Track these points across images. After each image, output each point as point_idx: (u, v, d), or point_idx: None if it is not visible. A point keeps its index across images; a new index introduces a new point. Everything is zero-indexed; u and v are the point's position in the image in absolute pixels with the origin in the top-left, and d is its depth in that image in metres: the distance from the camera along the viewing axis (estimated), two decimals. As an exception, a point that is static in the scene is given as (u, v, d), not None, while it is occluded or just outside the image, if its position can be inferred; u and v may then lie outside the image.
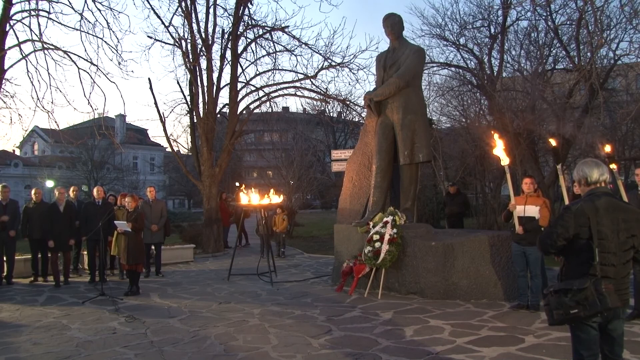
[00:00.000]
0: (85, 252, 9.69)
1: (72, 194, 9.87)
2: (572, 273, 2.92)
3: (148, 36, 13.44)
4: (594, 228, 2.81)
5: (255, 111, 15.43)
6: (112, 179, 37.78)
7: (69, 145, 28.93)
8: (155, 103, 16.97)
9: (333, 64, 13.69)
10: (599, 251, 2.79)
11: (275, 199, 9.63)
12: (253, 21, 13.75)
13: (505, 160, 5.63)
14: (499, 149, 5.50)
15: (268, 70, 14.16)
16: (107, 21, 12.34)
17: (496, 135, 5.74)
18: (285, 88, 14.04)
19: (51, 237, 8.57)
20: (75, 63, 11.08)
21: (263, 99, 14.14)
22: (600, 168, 3.00)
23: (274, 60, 14.16)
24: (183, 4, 12.66)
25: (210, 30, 13.12)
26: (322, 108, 28.51)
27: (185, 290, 8.17)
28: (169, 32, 14.03)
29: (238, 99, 13.68)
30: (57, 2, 10.96)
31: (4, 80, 10.46)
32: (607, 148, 6.43)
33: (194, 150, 13.91)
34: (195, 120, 13.45)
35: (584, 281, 2.77)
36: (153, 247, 9.75)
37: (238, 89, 13.67)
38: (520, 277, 6.24)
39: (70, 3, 11.25)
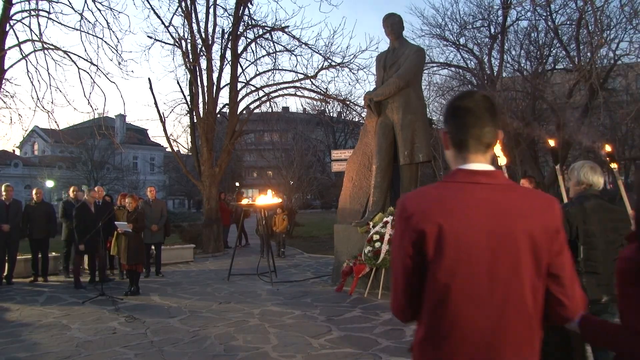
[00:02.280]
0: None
1: (72, 194, 9.87)
2: None
3: (148, 36, 13.46)
4: (580, 227, 3.03)
5: (255, 111, 15.43)
6: (112, 179, 37.77)
7: (69, 145, 28.95)
8: (155, 103, 17.02)
9: (333, 64, 13.71)
10: (587, 249, 3.02)
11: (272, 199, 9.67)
12: (253, 21, 13.77)
13: (502, 160, 5.63)
14: (497, 149, 5.50)
15: (268, 70, 14.19)
16: (107, 21, 12.43)
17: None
18: (285, 88, 14.06)
19: (82, 238, 8.18)
20: (75, 63, 11.12)
21: (263, 99, 14.16)
22: (597, 174, 3.20)
23: (274, 60, 14.19)
24: (183, 4, 12.67)
25: (210, 30, 13.15)
26: (322, 108, 28.52)
27: (185, 290, 8.17)
28: (169, 32, 14.06)
29: (238, 99, 13.69)
30: (57, 2, 11.00)
31: (4, 80, 10.47)
32: (608, 148, 6.44)
33: (194, 150, 13.91)
34: (195, 120, 13.45)
35: None
36: (153, 247, 9.75)
37: (238, 89, 13.67)
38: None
39: (70, 3, 11.31)
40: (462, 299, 1.32)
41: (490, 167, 1.45)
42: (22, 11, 10.74)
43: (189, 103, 13.46)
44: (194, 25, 12.93)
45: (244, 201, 10.55)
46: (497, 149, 5.66)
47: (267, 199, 9.58)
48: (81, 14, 11.06)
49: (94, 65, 11.36)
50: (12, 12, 10.46)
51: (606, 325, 1.60)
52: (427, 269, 1.36)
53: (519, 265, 1.34)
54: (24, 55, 10.73)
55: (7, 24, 10.30)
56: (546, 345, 1.81)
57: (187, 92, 13.44)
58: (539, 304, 1.38)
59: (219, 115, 14.74)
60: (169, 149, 17.79)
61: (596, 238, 3.03)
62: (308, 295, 7.50)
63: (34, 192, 9.37)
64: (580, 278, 2.84)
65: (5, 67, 10.44)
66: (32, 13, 10.79)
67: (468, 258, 1.33)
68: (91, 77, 11.25)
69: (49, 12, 10.87)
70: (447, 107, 1.49)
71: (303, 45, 13.83)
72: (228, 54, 13.54)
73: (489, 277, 1.32)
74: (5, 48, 10.30)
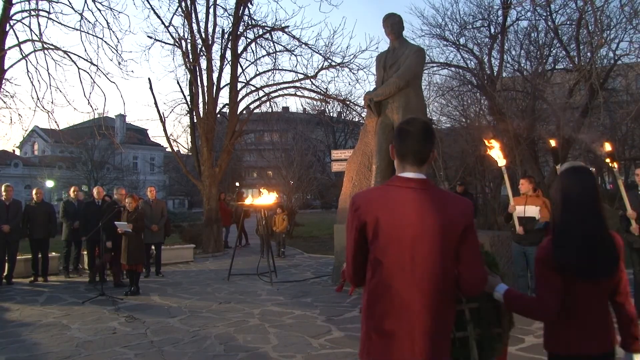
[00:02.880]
0: (86, 252, 9.69)
1: (73, 194, 9.88)
2: None
3: (148, 36, 13.47)
4: None
5: (255, 111, 15.44)
6: (112, 179, 37.73)
7: (69, 145, 28.97)
8: (155, 103, 17.04)
9: (333, 64, 13.71)
10: None
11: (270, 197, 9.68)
12: (253, 21, 13.78)
13: (501, 162, 5.63)
14: (495, 150, 5.49)
15: (268, 70, 14.20)
16: (107, 21, 12.44)
17: (492, 138, 5.74)
18: (285, 88, 14.06)
19: (109, 236, 8.04)
20: (75, 63, 11.13)
21: (263, 99, 14.16)
22: None
23: (274, 60, 14.20)
24: (183, 4, 12.67)
25: (210, 30, 13.15)
26: (322, 108, 28.54)
27: (185, 290, 8.17)
28: (169, 32, 14.07)
29: (238, 99, 13.69)
30: (57, 2, 11.00)
31: (4, 80, 10.47)
32: (608, 147, 6.43)
33: (194, 150, 13.91)
34: (195, 120, 13.45)
35: None
36: (153, 247, 9.75)
37: (238, 89, 13.67)
38: (521, 277, 6.24)
39: (70, 3, 11.31)
40: (391, 272, 1.77)
41: (422, 176, 1.87)
42: (22, 11, 10.75)
43: (189, 103, 13.46)
44: (194, 25, 12.94)
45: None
46: (496, 152, 5.64)
47: (264, 198, 9.56)
48: (81, 14, 11.07)
49: (94, 65, 11.38)
50: (12, 12, 10.46)
51: (524, 298, 2.08)
52: (369, 248, 1.82)
53: (434, 249, 1.76)
54: (24, 55, 10.74)
55: (7, 24, 10.30)
56: (481, 310, 2.35)
57: (187, 92, 13.45)
58: (450, 280, 1.80)
59: (219, 115, 14.74)
60: (169, 149, 17.80)
61: None
62: (308, 295, 7.50)
63: (34, 192, 9.36)
64: None
65: (5, 67, 10.44)
66: (32, 13, 10.79)
67: (396, 242, 1.77)
68: (91, 77, 11.26)
69: (49, 12, 10.88)
70: (396, 129, 1.95)
71: (303, 45, 13.85)
72: (228, 54, 13.55)
73: (411, 257, 1.76)
74: (5, 48, 10.30)
